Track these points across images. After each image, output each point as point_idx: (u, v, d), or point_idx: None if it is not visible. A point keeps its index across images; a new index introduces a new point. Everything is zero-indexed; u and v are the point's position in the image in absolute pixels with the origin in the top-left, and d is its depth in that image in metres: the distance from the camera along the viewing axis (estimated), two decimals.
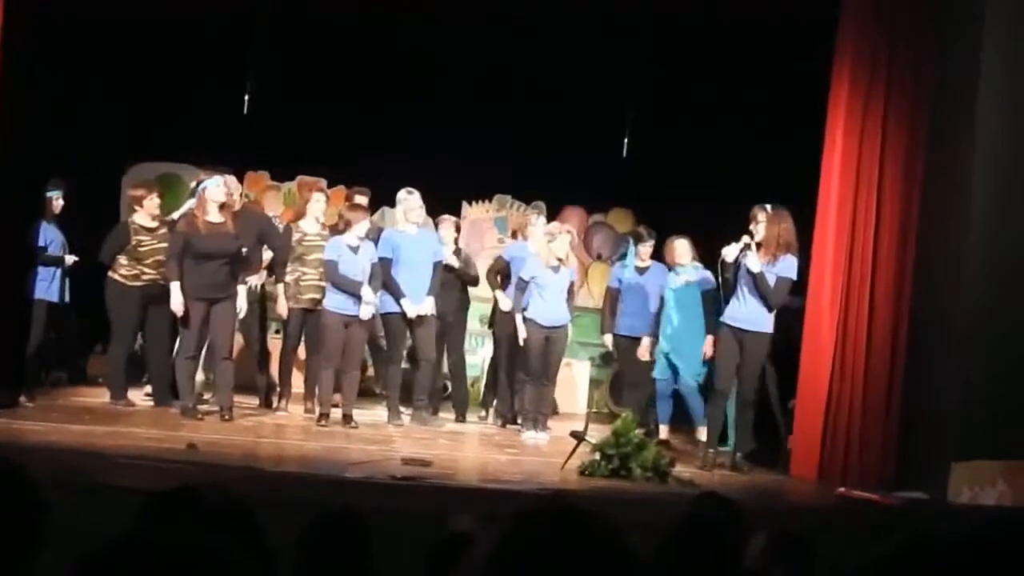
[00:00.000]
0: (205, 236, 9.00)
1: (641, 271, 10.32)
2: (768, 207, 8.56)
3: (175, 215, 9.74)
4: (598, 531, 1.49)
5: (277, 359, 10.22)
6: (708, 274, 9.65)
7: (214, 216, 9.09)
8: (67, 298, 9.67)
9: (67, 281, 9.67)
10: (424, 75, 11.68)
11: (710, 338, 9.47)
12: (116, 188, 12.06)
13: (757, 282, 8.50)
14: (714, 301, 9.48)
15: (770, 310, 8.56)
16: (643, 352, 10.15)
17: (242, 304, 9.27)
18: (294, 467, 7.50)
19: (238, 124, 11.76)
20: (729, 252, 8.56)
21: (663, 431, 9.98)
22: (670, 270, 10.05)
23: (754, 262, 8.48)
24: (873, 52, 8.63)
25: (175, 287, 8.97)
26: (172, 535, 1.44)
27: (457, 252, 10.50)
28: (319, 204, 10.06)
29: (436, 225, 10.49)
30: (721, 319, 8.75)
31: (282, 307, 9.84)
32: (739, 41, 10.48)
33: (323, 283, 9.54)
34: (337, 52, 11.58)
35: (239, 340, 9.90)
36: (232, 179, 9.81)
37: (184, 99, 11.59)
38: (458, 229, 10.85)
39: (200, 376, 9.55)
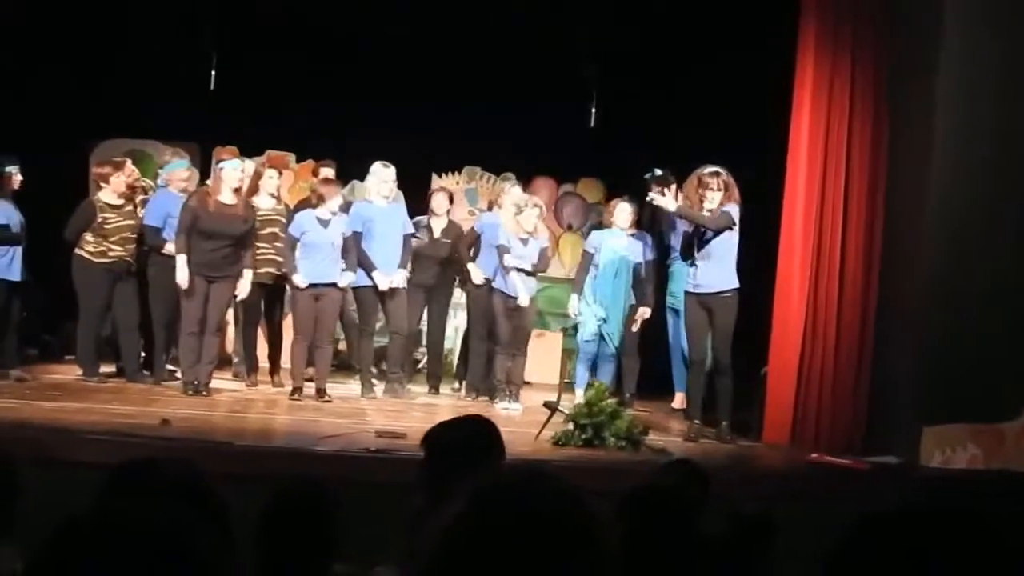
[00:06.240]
0: (212, 215, 9.02)
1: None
2: (722, 173, 8.57)
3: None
4: (561, 496, 1.50)
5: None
6: (640, 246, 9.85)
7: (227, 197, 9.12)
8: (26, 276, 9.54)
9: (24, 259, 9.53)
10: (393, 48, 11.62)
11: (643, 311, 9.70)
12: (85, 165, 11.96)
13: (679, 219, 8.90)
14: (645, 273, 9.89)
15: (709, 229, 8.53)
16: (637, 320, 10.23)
17: (245, 286, 9.29)
18: (267, 441, 7.51)
19: (205, 99, 11.68)
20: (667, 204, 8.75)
21: (579, 395, 9.56)
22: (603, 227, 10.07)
23: (671, 203, 8.71)
24: (836, 23, 8.67)
25: (181, 260, 8.97)
26: (129, 508, 1.43)
27: (450, 224, 10.54)
28: (272, 180, 10.19)
29: (429, 197, 10.59)
30: (685, 290, 8.78)
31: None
32: (705, 9, 10.48)
33: (278, 257, 9.60)
34: (305, 25, 11.51)
35: None
36: (250, 163, 10.07)
37: (151, 74, 11.49)
38: (451, 200, 10.88)
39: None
